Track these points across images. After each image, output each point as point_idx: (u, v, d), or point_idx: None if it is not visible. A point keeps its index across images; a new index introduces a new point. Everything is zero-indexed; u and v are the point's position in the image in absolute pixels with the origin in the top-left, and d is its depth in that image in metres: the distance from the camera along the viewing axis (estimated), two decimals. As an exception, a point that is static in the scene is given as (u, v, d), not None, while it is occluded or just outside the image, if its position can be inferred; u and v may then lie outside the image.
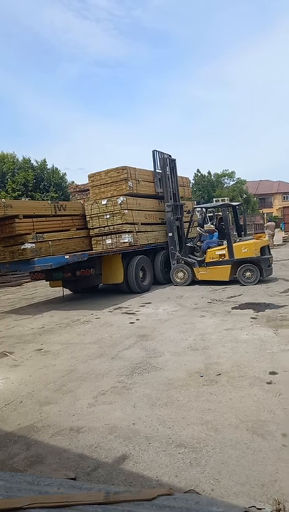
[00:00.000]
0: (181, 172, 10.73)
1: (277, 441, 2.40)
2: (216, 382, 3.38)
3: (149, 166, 9.99)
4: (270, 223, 20.47)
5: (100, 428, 2.77)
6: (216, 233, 9.88)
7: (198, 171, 37.82)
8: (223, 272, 8.71)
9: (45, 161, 22.83)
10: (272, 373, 3.46)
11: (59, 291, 9.53)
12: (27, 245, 7.36)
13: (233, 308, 6.28)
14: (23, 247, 7.35)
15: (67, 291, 9.59)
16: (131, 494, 1.95)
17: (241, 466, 2.18)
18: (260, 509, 1.76)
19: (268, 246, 9.09)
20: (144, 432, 2.65)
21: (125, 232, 8.76)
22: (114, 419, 2.88)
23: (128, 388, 3.44)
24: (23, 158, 22.43)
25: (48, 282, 9.53)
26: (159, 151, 10.23)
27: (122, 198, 8.77)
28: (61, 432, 2.76)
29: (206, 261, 8.97)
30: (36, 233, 7.68)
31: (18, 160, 22.47)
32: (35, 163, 22.60)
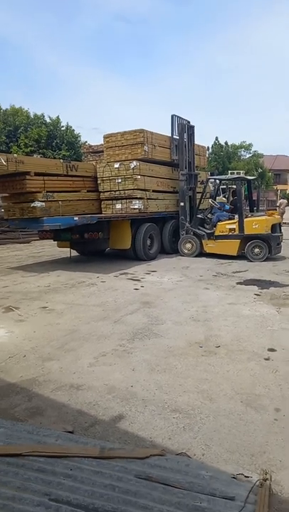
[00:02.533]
0: (196, 139, 10.41)
1: (270, 414, 2.47)
2: (214, 354, 3.45)
3: (162, 132, 9.70)
4: (282, 200, 20.09)
5: (99, 387, 2.86)
6: (226, 206, 9.76)
7: (216, 139, 36.71)
8: (232, 247, 8.67)
9: (58, 118, 22.34)
10: (271, 350, 3.51)
11: (66, 252, 9.59)
12: (37, 203, 7.32)
13: (237, 283, 6.30)
14: (32, 204, 7.31)
15: (74, 253, 9.65)
16: (125, 451, 2.04)
17: (233, 435, 2.26)
18: (248, 477, 1.84)
19: (280, 224, 8.98)
20: (142, 395, 2.73)
21: (136, 198, 8.65)
22: (113, 380, 2.97)
23: (128, 352, 3.52)
24: (35, 115, 21.96)
25: (56, 242, 9.57)
26: (178, 116, 9.91)
27: (134, 163, 8.60)
28: (61, 388, 2.86)
29: (216, 234, 8.91)
30: (47, 192, 7.61)
31: (29, 116, 22.05)
32: (48, 120, 22.14)
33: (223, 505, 1.63)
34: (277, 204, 20.14)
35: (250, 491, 1.70)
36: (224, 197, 13.68)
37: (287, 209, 19.47)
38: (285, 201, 19.84)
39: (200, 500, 1.66)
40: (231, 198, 11.96)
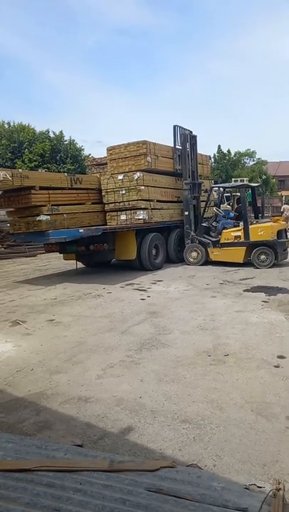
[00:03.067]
0: (199, 149, 10.48)
1: (281, 423, 2.43)
2: (223, 363, 3.41)
3: (165, 142, 9.80)
4: (285, 206, 20.06)
5: (107, 399, 2.84)
6: (231, 214, 9.75)
7: (219, 147, 36.85)
8: (238, 254, 8.64)
9: (62, 132, 22.69)
10: (281, 357, 3.47)
11: (72, 264, 9.62)
12: (42, 217, 7.39)
13: (244, 291, 6.26)
14: (38, 218, 7.38)
15: (80, 265, 9.68)
16: (134, 464, 2.01)
17: (244, 445, 2.22)
18: (260, 487, 1.80)
19: (285, 229, 8.95)
20: (150, 406, 2.71)
21: (140, 208, 8.69)
22: (121, 392, 2.94)
23: (136, 363, 3.50)
24: (40, 131, 22.35)
25: (62, 255, 9.62)
26: (180, 127, 10.00)
27: (138, 174, 8.66)
28: (70, 401, 2.85)
29: (221, 242, 8.89)
30: (52, 205, 7.69)
31: (35, 132, 22.44)
32: (52, 135, 22.48)
33: (236, 517, 1.60)
34: (281, 210, 20.05)
35: (264, 502, 1.66)
36: (228, 204, 13.69)
37: None
38: (287, 206, 19.78)
39: (212, 512, 1.62)
40: (236, 206, 11.96)
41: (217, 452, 2.15)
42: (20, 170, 8.54)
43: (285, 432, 2.32)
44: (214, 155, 35.60)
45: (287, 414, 2.52)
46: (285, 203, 23.22)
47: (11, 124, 22.66)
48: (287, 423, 2.42)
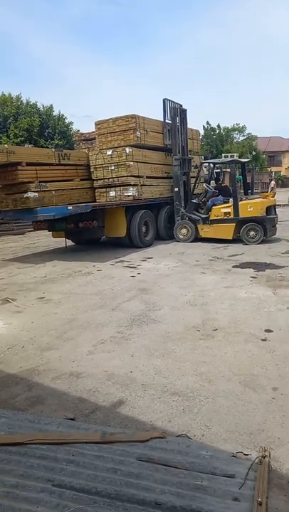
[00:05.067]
0: (188, 123, 10.26)
1: (268, 394, 2.50)
2: (212, 337, 3.47)
3: (154, 116, 9.57)
4: (273, 182, 20.05)
5: (98, 374, 2.88)
6: (209, 191, 9.61)
7: (207, 123, 36.25)
8: (227, 230, 8.66)
9: (51, 106, 21.94)
10: (268, 331, 3.54)
11: (61, 242, 9.54)
12: (30, 194, 7.25)
13: (233, 267, 6.32)
14: (25, 195, 7.24)
15: (69, 242, 9.61)
16: (126, 435, 2.07)
17: (231, 415, 2.29)
18: (247, 455, 1.88)
19: (274, 206, 8.96)
20: (141, 380, 2.76)
21: (130, 185, 8.58)
22: (112, 367, 2.99)
23: (127, 339, 3.54)
24: (27, 103, 21.51)
25: (51, 232, 9.52)
26: (169, 100, 9.76)
27: (127, 150, 8.50)
28: (61, 376, 2.88)
29: (211, 218, 8.88)
30: (39, 182, 7.53)
31: (22, 103, 21.51)
32: (41, 108, 21.70)
33: (224, 483, 1.67)
34: (272, 186, 19.94)
35: (250, 468, 1.73)
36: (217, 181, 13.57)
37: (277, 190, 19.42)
38: (274, 182, 19.81)
39: (201, 479, 1.69)
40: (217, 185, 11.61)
41: (206, 422, 2.22)
42: (6, 145, 8.30)
43: (271, 403, 2.40)
44: (203, 129, 35.03)
45: (274, 386, 2.59)
46: (270, 179, 23.15)
47: None
48: (274, 394, 2.50)
